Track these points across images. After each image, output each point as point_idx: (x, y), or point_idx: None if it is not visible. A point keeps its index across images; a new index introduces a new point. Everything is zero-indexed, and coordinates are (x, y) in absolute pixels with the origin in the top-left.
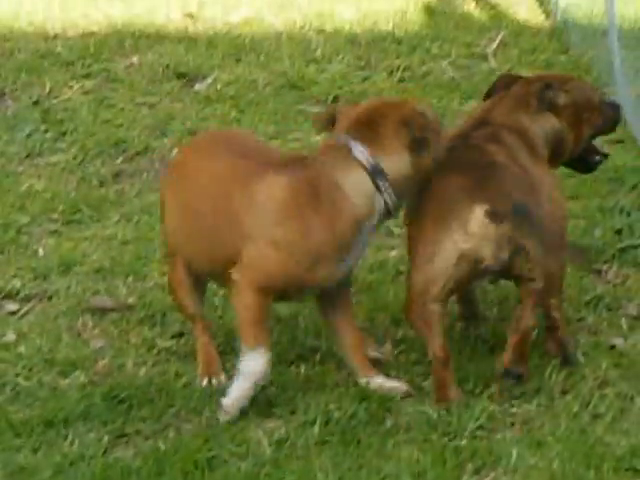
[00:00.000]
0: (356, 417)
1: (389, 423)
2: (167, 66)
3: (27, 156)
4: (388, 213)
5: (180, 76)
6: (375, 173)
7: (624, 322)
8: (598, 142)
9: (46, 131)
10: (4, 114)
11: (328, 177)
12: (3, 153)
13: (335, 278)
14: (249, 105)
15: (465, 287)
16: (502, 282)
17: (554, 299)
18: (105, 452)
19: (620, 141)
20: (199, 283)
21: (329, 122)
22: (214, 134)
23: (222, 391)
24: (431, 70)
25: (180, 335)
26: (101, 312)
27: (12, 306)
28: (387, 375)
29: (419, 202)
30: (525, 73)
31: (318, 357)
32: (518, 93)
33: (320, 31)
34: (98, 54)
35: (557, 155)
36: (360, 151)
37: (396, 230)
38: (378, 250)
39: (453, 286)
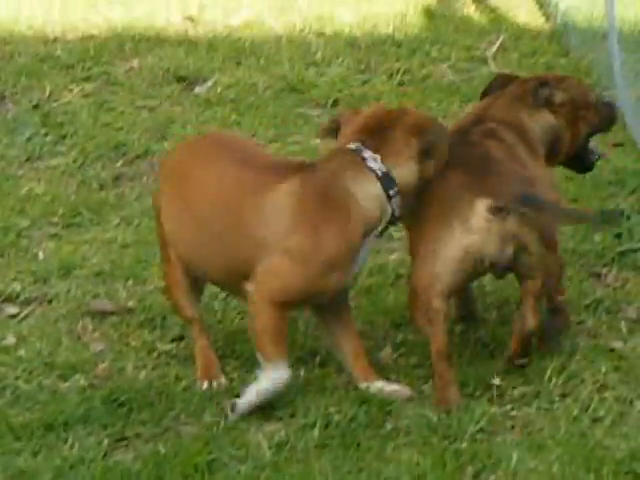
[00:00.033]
0: (356, 420)
1: (389, 426)
2: (167, 69)
3: (27, 159)
4: (393, 220)
5: (180, 79)
6: (387, 181)
7: (624, 325)
8: (592, 143)
9: (46, 134)
10: (4, 117)
11: (340, 184)
12: (3, 156)
13: (345, 284)
14: (249, 108)
15: (469, 283)
16: (502, 285)
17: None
18: (105, 455)
19: (620, 144)
20: (196, 285)
21: (333, 129)
22: (209, 137)
23: (223, 394)
24: (431, 73)
25: (180, 338)
26: (101, 315)
27: (12, 309)
28: (387, 379)
29: (420, 201)
30: (524, 75)
31: (318, 360)
32: (515, 91)
33: (320, 34)
34: (98, 57)
35: (554, 153)
36: (373, 159)
37: (396, 234)
38: (378, 254)
39: (458, 282)
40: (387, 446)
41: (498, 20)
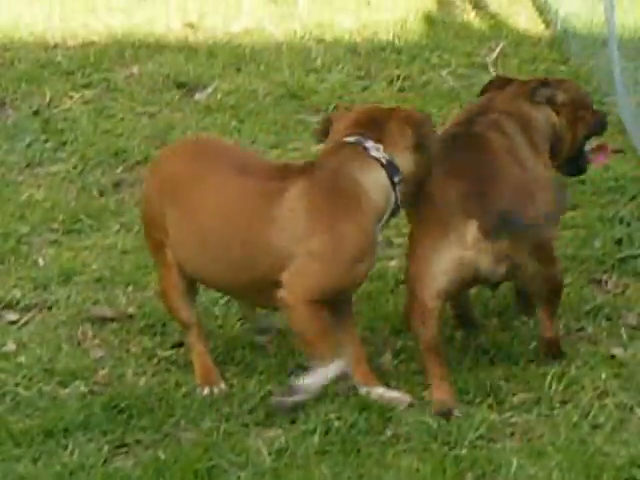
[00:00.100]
0: (356, 426)
1: (389, 433)
2: (167, 76)
3: (27, 166)
4: (395, 210)
5: (180, 86)
6: (391, 169)
7: (624, 332)
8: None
9: (46, 141)
10: (4, 124)
11: (348, 175)
12: (3, 162)
13: (369, 272)
14: (249, 115)
15: (465, 290)
16: (503, 291)
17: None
18: (105, 462)
19: (620, 151)
20: (192, 289)
21: (326, 129)
22: (201, 142)
23: (223, 400)
24: (431, 80)
25: (180, 345)
26: (101, 322)
27: (12, 316)
28: (388, 386)
29: (422, 199)
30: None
31: None
32: (516, 89)
33: (320, 41)
34: (98, 64)
35: (555, 152)
36: (376, 148)
37: (396, 240)
38: (378, 260)
39: (453, 287)
40: (387, 452)
41: (498, 26)
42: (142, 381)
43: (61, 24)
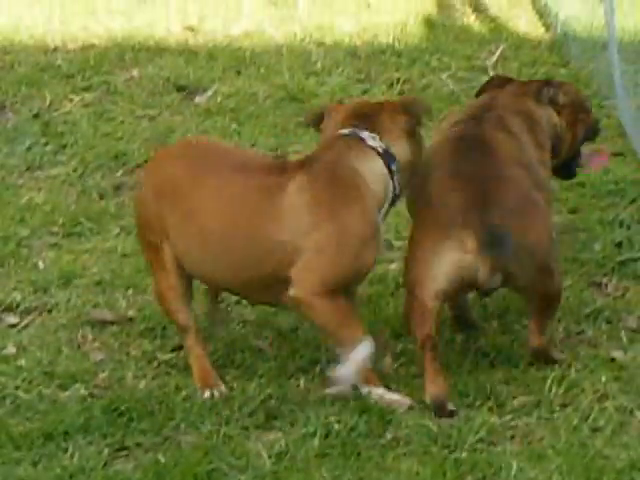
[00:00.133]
0: (356, 430)
1: (389, 436)
2: (167, 79)
3: (27, 169)
4: (394, 199)
5: (180, 89)
6: (387, 157)
7: (624, 335)
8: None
9: (46, 144)
10: (4, 127)
11: (347, 165)
12: (3, 166)
13: (375, 260)
14: (249, 118)
15: (464, 293)
16: (502, 294)
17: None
18: (105, 465)
19: (620, 154)
20: (188, 292)
21: (317, 119)
22: (198, 143)
23: (222, 404)
24: (431, 83)
25: (180, 348)
26: (101, 325)
27: (12, 319)
28: (389, 388)
29: (424, 200)
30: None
31: (318, 370)
32: (518, 90)
33: (320, 44)
34: (98, 67)
35: (554, 153)
36: (372, 137)
37: (396, 243)
38: (378, 263)
39: (452, 288)
40: (387, 456)
41: (498, 30)
42: (142, 384)
43: (61, 27)
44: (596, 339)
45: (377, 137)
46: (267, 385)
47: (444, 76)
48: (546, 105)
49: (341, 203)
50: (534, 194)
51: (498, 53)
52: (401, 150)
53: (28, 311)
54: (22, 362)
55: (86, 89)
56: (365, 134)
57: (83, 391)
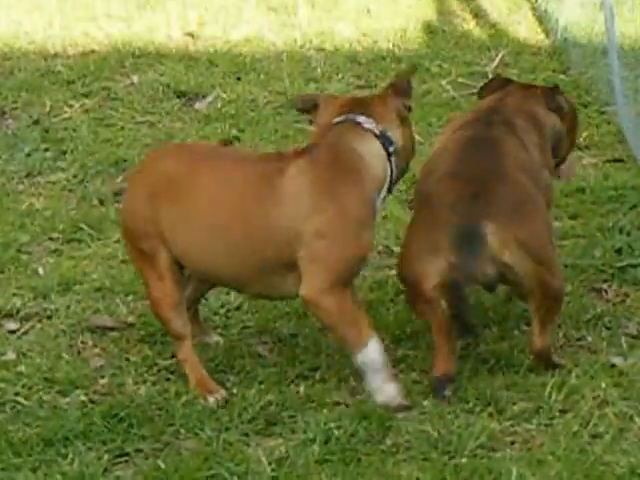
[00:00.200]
0: (356, 436)
1: (389, 442)
2: (167, 85)
3: (27, 175)
4: (390, 186)
5: (180, 95)
6: (385, 139)
7: (624, 341)
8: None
9: (46, 150)
10: (4, 133)
11: (347, 146)
12: (3, 172)
13: (372, 245)
14: (249, 124)
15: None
16: (502, 300)
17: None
18: (105, 471)
19: (620, 160)
20: (183, 300)
21: (308, 105)
22: (189, 143)
23: (222, 410)
24: (431, 89)
25: None
26: (101, 331)
27: (12, 325)
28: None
29: (422, 196)
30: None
31: (318, 376)
32: (526, 93)
33: (320, 50)
34: (98, 73)
35: (553, 157)
36: (369, 122)
37: (396, 249)
38: (378, 269)
39: (444, 286)
40: (387, 461)
41: (498, 36)
42: (142, 390)
43: (61, 33)
44: (596, 345)
45: (372, 120)
46: (267, 391)
47: (444, 82)
48: (552, 111)
49: (340, 184)
50: (534, 194)
51: (498, 59)
52: (396, 134)
53: (28, 317)
54: (22, 368)
55: (86, 95)
56: (361, 118)
57: (83, 397)
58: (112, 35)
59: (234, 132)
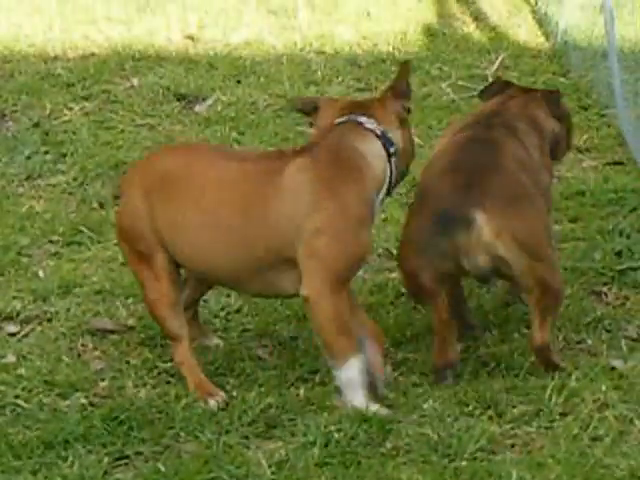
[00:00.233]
0: (356, 439)
1: (389, 445)
2: (167, 88)
3: (27, 177)
4: (391, 186)
5: (180, 98)
6: (385, 140)
7: (624, 344)
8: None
9: (46, 152)
10: (4, 135)
11: (349, 145)
12: (3, 174)
13: (370, 245)
14: (249, 127)
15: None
16: (502, 304)
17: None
18: (105, 474)
19: (620, 163)
20: (180, 301)
21: (308, 108)
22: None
23: (222, 412)
24: (431, 92)
25: None
26: (101, 334)
27: (12, 328)
28: (388, 398)
29: (420, 191)
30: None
31: (318, 379)
32: (528, 96)
33: (320, 53)
34: (98, 76)
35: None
36: (370, 122)
37: (396, 252)
38: (378, 272)
39: (442, 276)
40: (387, 464)
41: (498, 39)
42: (142, 393)
43: (61, 36)
44: (596, 348)
45: (374, 121)
46: (267, 394)
47: (444, 85)
48: (555, 116)
49: (341, 182)
50: (533, 192)
51: (498, 62)
52: (396, 136)
53: (28, 320)
54: (22, 371)
55: (86, 98)
56: (363, 119)
57: (83, 400)
58: (112, 38)
59: (234, 135)
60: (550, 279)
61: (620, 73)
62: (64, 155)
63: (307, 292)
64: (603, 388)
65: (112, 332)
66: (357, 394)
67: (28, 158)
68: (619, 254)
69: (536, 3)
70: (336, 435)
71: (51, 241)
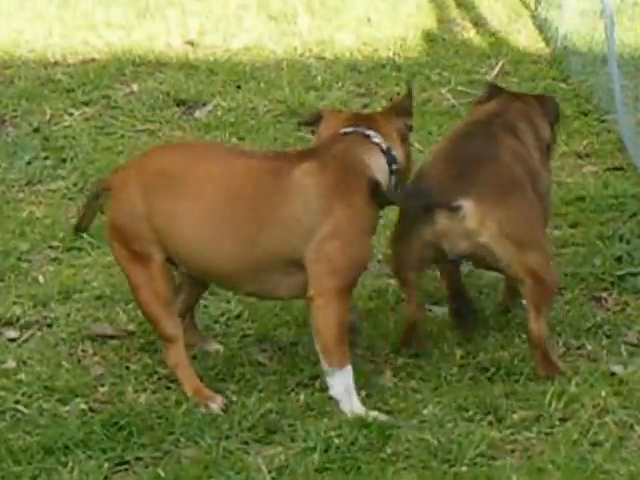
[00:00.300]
0: (356, 444)
1: (389, 450)
2: (167, 93)
3: (27, 183)
4: (384, 203)
5: (180, 103)
6: (389, 156)
7: (624, 349)
8: None
9: (46, 158)
10: (4, 141)
11: (356, 156)
12: (3, 180)
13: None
14: (249, 132)
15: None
16: (501, 307)
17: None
18: (105, 479)
19: (620, 168)
20: (173, 301)
21: (314, 120)
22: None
23: (223, 417)
24: (431, 97)
25: None
26: (101, 339)
27: (12, 333)
28: (387, 404)
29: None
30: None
31: (318, 384)
32: (526, 102)
33: (320, 58)
34: (98, 81)
35: None
36: (377, 136)
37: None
38: (377, 278)
39: (422, 263)
40: (387, 470)
41: (498, 44)
42: (142, 398)
43: (61, 41)
44: (596, 353)
45: (380, 136)
46: (267, 399)
47: (444, 90)
48: (552, 122)
49: (350, 190)
50: (528, 189)
51: (498, 67)
52: (398, 153)
53: (28, 325)
54: (22, 376)
55: (86, 103)
56: (370, 132)
57: (83, 405)
58: (112, 43)
59: (234, 140)
60: (541, 270)
61: (620, 79)
62: (64, 160)
63: (314, 295)
64: (603, 394)
65: (112, 337)
66: (354, 400)
67: (28, 163)
68: (619, 260)
69: (536, 8)
70: (336, 440)
71: (51, 246)
